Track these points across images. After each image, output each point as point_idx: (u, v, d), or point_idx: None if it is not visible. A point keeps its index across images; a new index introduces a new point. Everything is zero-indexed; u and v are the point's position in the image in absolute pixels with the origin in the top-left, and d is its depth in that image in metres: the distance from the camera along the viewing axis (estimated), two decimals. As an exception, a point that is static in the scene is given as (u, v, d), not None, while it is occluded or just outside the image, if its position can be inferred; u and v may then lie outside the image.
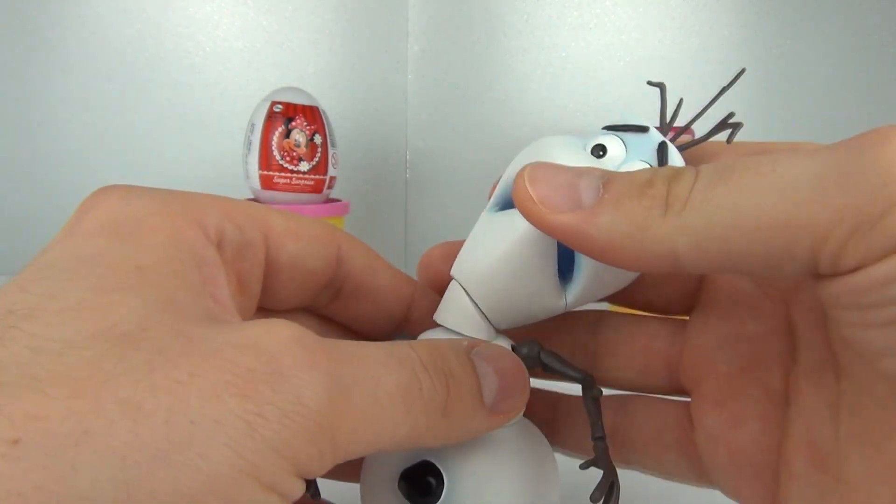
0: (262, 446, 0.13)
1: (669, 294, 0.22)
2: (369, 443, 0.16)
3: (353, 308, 0.23)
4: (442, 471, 0.19)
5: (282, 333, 0.15)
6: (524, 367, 0.19)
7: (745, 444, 0.20)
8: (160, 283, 0.16)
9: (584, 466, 0.19)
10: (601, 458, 0.19)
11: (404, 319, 0.23)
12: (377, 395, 0.16)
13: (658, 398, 0.23)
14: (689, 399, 0.22)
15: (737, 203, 0.14)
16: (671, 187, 0.15)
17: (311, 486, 0.20)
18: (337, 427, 0.15)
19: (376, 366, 0.16)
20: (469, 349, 0.19)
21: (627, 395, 0.23)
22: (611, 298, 0.22)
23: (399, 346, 0.17)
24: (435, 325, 0.21)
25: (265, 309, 0.22)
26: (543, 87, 0.73)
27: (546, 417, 0.24)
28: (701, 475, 0.21)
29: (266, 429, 0.14)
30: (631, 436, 0.22)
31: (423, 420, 0.17)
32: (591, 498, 0.19)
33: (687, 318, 0.22)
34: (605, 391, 0.22)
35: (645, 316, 0.23)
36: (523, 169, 0.17)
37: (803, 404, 0.19)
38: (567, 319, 0.23)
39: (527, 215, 0.17)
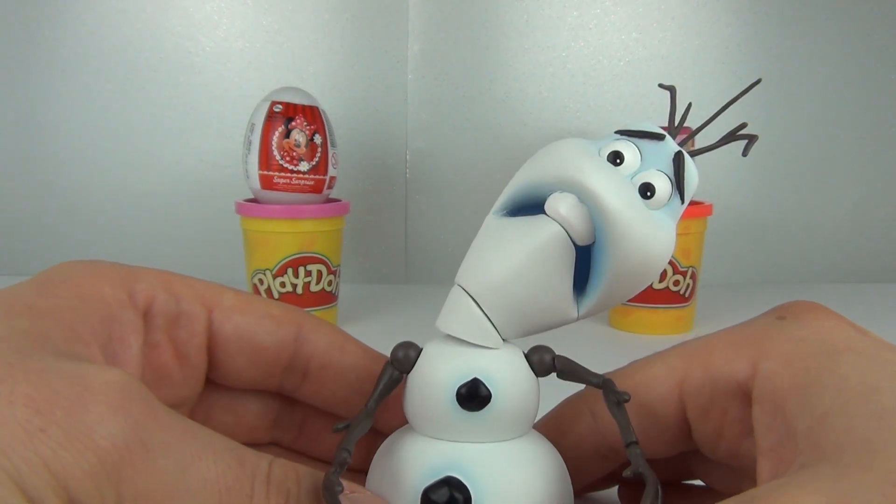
0: (32, 456, 0.14)
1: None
2: None
3: (323, 389, 0.23)
4: (467, 485, 0.18)
5: (111, 376, 0.15)
6: None
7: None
8: (40, 319, 0.17)
9: (627, 474, 0.18)
10: (640, 464, 0.18)
11: None
12: (187, 472, 0.15)
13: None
14: None
15: None
16: None
17: None
18: (126, 477, 0.15)
19: (204, 449, 0.16)
20: (339, 492, 0.17)
21: None
22: None
23: (252, 452, 0.17)
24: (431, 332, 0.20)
25: (223, 386, 0.22)
26: (543, 87, 0.73)
27: None
28: None
29: (43, 444, 0.14)
30: None
31: None
32: None
33: None
34: None
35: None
36: None
37: None
38: None
39: None
